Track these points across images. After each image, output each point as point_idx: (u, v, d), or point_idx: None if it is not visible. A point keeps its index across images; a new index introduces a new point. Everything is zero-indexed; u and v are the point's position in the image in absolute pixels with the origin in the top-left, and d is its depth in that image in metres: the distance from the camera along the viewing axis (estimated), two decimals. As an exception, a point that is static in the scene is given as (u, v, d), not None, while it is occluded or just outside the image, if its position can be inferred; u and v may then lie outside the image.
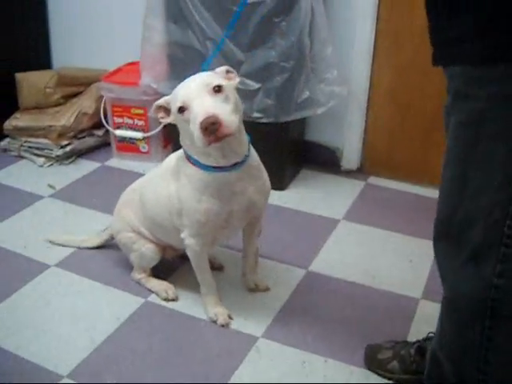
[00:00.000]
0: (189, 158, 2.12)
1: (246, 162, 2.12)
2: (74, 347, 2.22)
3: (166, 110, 2.09)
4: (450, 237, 1.54)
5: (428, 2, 1.44)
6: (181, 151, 2.23)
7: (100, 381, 2.08)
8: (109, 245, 2.76)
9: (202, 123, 1.85)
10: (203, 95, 1.92)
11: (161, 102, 2.09)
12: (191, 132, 1.93)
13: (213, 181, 2.09)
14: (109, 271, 2.64)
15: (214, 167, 2.07)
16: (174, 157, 2.28)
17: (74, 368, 2.12)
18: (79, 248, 2.77)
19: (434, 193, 3.23)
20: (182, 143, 2.12)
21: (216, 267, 2.61)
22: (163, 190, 2.26)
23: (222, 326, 2.32)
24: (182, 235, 2.25)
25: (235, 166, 2.09)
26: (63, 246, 2.78)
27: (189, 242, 2.24)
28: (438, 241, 1.60)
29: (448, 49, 1.42)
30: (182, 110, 1.96)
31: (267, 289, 2.57)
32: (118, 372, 2.12)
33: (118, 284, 2.56)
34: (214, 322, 2.33)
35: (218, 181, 2.09)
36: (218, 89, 1.93)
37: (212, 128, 1.85)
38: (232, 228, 2.30)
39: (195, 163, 2.09)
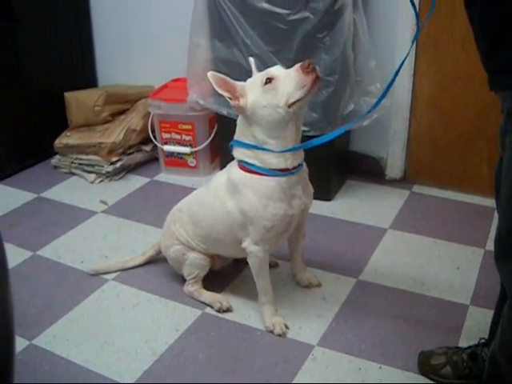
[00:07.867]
0: (250, 168, 2.22)
1: (303, 164, 2.29)
2: (137, 358, 2.29)
3: (234, 94, 2.18)
4: None
5: (477, 34, 1.53)
6: (227, 170, 2.34)
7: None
8: (159, 259, 2.80)
9: (303, 63, 2.09)
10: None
11: (229, 80, 2.19)
12: (275, 103, 2.10)
13: (278, 185, 2.21)
14: (164, 284, 2.70)
15: (280, 170, 2.20)
16: (223, 175, 2.36)
17: (138, 378, 2.19)
18: (125, 269, 2.79)
19: (477, 199, 3.31)
20: (249, 138, 2.21)
21: (272, 265, 2.67)
22: (219, 207, 2.34)
23: (279, 335, 2.36)
24: (244, 244, 2.32)
25: (297, 168, 2.24)
26: (108, 273, 2.77)
27: (252, 249, 2.31)
28: (501, 258, 1.60)
29: (498, 76, 1.51)
30: (269, 80, 2.11)
31: (319, 284, 2.66)
32: (180, 381, 2.18)
33: (174, 296, 2.62)
34: (271, 331, 2.38)
35: (282, 184, 2.21)
36: None
37: (312, 66, 2.07)
38: (289, 232, 2.38)
39: (259, 171, 2.21)
